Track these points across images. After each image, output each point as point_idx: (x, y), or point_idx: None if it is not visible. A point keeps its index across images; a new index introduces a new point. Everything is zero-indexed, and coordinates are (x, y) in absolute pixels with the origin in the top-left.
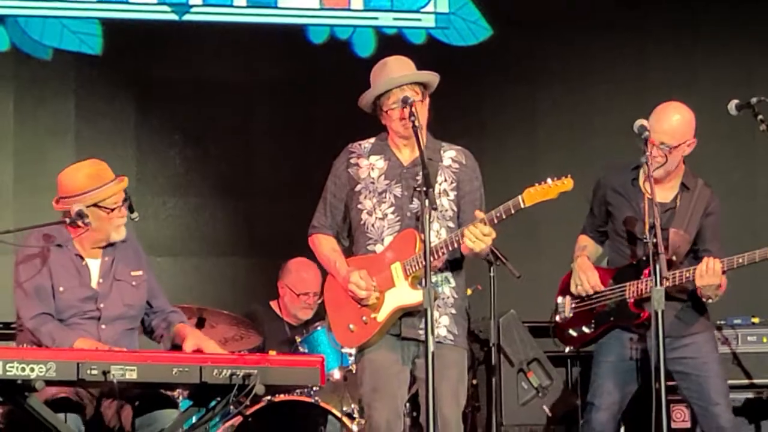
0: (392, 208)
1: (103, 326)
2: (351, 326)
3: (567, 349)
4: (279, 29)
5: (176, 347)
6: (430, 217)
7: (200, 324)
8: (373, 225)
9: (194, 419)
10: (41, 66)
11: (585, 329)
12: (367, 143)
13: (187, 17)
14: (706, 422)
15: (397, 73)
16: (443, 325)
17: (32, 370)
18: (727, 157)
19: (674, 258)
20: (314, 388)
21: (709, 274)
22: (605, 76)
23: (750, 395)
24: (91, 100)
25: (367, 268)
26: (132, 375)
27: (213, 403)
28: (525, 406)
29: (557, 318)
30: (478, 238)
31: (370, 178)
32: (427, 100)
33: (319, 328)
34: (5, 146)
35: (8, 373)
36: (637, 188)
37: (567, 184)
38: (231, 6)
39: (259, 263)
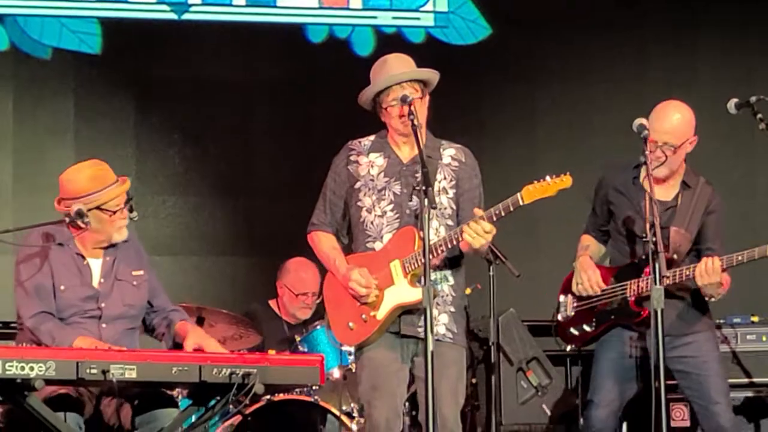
0: (391, 206)
1: (104, 325)
2: (350, 324)
3: (568, 348)
4: (278, 28)
5: (178, 346)
6: (429, 216)
7: (199, 323)
8: (372, 222)
9: (194, 418)
10: (40, 65)
11: (586, 328)
12: (367, 141)
13: (186, 16)
14: (707, 421)
15: (397, 70)
16: (442, 323)
17: (32, 369)
18: (726, 156)
19: (675, 257)
20: (314, 387)
21: (708, 272)
22: (604, 75)
23: (749, 394)
24: (90, 99)
25: (367, 265)
26: (131, 374)
27: (212, 402)
28: (524, 405)
29: (559, 317)
30: (479, 234)
31: (370, 175)
32: (427, 98)
33: (318, 327)
34: (4, 145)
35: (8, 373)
36: (638, 187)
37: (566, 181)
38: (230, 5)
39: (259, 262)
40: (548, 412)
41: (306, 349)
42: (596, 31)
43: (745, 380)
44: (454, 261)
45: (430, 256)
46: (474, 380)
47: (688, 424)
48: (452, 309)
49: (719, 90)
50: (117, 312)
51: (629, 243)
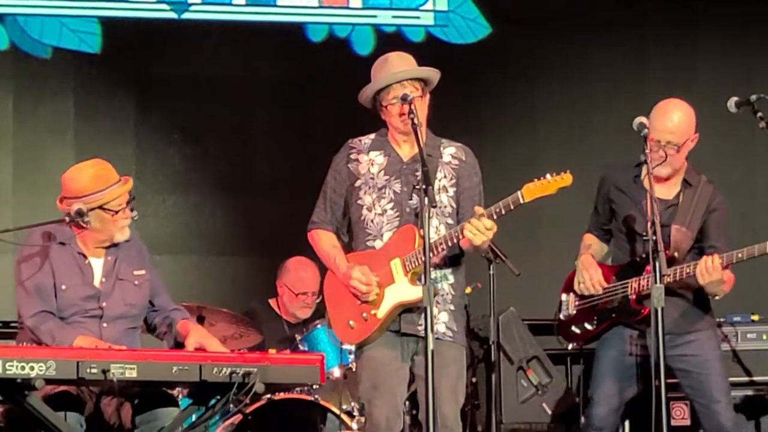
0: (391, 204)
1: (105, 325)
2: (351, 323)
3: (570, 347)
4: (278, 27)
5: (179, 345)
6: (429, 215)
7: (200, 322)
8: (372, 221)
9: (194, 417)
10: (40, 64)
11: (587, 326)
12: (367, 139)
13: (186, 15)
14: (707, 420)
15: (397, 68)
16: (442, 321)
17: (32, 368)
18: (726, 155)
19: (676, 255)
20: (314, 386)
21: (709, 271)
22: (604, 73)
23: (749, 392)
24: (90, 98)
25: (367, 263)
26: (132, 373)
27: (213, 402)
28: (524, 404)
29: (561, 315)
30: (480, 231)
31: (370, 173)
32: (428, 96)
33: (318, 326)
34: (5, 145)
35: (8, 372)
36: (640, 185)
37: (566, 179)
38: (230, 4)
39: (259, 261)
40: (549, 411)
41: (306, 348)
42: (596, 30)
43: (746, 379)
44: (454, 259)
45: (431, 255)
46: (474, 379)
47: (688, 422)
48: (452, 307)
49: (719, 89)
50: (118, 311)
51: (630, 241)
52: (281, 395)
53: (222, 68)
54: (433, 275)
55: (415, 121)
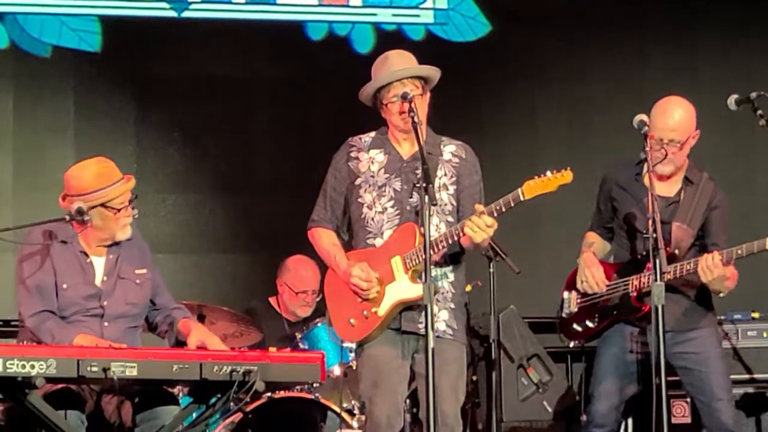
0: (392, 202)
1: (106, 324)
2: (352, 321)
3: (572, 344)
4: (278, 26)
5: (180, 344)
6: (429, 213)
7: (200, 321)
8: (372, 219)
9: (194, 416)
10: (40, 63)
11: (589, 323)
12: (367, 137)
13: (185, 14)
14: (708, 418)
15: (398, 66)
16: (442, 319)
17: (32, 367)
18: (726, 153)
19: (677, 252)
20: (314, 385)
21: (710, 268)
22: (605, 72)
23: (750, 390)
24: (90, 97)
25: (367, 261)
26: (132, 372)
27: (213, 400)
28: (525, 402)
29: (563, 313)
30: (481, 228)
31: (370, 171)
32: (428, 95)
33: (319, 324)
34: (4, 144)
35: (8, 371)
36: (641, 183)
37: (566, 176)
38: (229, 3)
39: (259, 260)
40: (549, 409)
41: (306, 347)
42: (596, 29)
43: (746, 376)
44: (454, 258)
45: (431, 252)
46: (474, 377)
47: (689, 420)
48: (452, 305)
49: (719, 88)
50: (119, 310)
51: (632, 239)
52: (282, 393)
53: (222, 66)
54: (433, 273)
55: (416, 119)
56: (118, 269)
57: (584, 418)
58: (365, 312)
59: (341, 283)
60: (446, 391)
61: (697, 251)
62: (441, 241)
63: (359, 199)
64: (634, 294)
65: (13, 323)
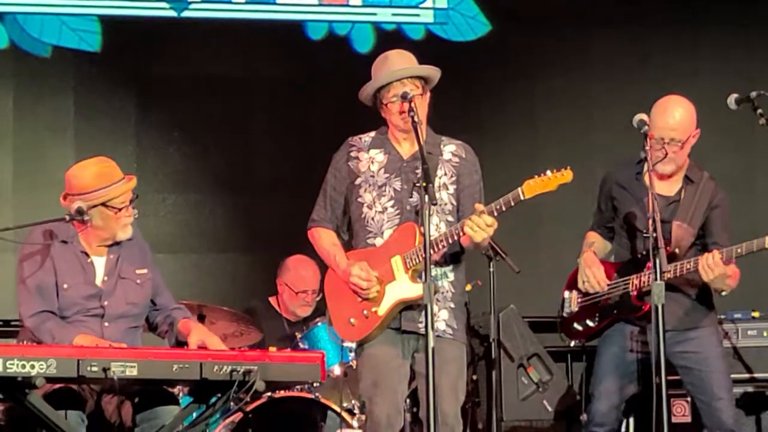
0: (392, 202)
1: (107, 324)
2: (352, 320)
3: (572, 344)
4: (278, 25)
5: (181, 344)
6: (429, 212)
7: (200, 320)
8: (372, 218)
9: (194, 415)
10: (40, 63)
11: (589, 323)
12: (367, 137)
13: (185, 14)
14: (709, 417)
15: (398, 66)
16: (442, 319)
17: (32, 367)
18: (726, 152)
19: (677, 251)
20: (314, 384)
21: (711, 267)
22: (604, 71)
23: (750, 389)
24: (90, 97)
25: (367, 261)
26: (132, 372)
27: (213, 400)
28: (525, 401)
29: (564, 313)
30: (481, 227)
31: (370, 171)
32: (428, 94)
33: (319, 324)
34: (5, 143)
35: (8, 370)
36: (641, 182)
37: (566, 175)
38: (229, 2)
39: (259, 259)
40: (549, 409)
41: (306, 346)
42: (596, 28)
43: (746, 375)
44: (454, 257)
45: (431, 252)
46: (474, 376)
47: (689, 419)
48: (452, 305)
49: (718, 87)
50: (120, 310)
51: (632, 238)
52: (282, 393)
53: (222, 66)
54: (433, 273)
55: (415, 118)
56: (119, 269)
57: (584, 417)
58: (365, 311)
59: (341, 282)
60: (446, 391)
61: (698, 250)
62: (441, 241)
63: (359, 199)
64: (635, 293)
65: (13, 323)
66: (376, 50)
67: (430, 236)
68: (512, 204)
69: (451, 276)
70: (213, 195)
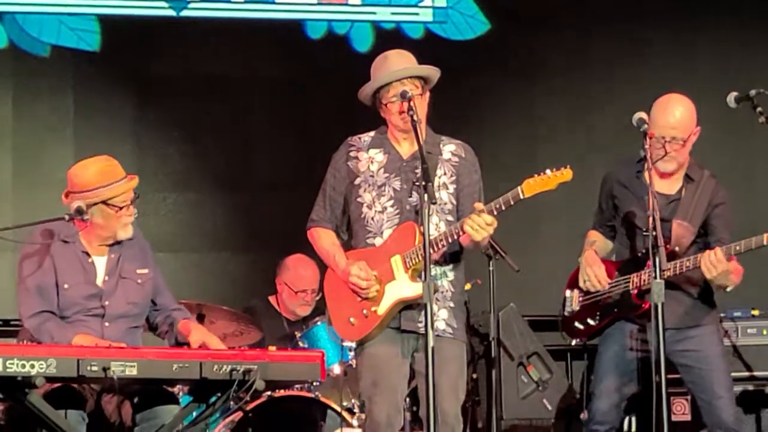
0: (391, 202)
1: (107, 324)
2: (351, 320)
3: (574, 342)
4: (277, 24)
5: (180, 344)
6: (429, 212)
7: (200, 320)
8: (372, 218)
9: (194, 415)
10: (39, 63)
11: (590, 321)
12: (367, 137)
13: (184, 13)
14: (709, 416)
15: (397, 66)
16: (442, 318)
17: (32, 366)
18: (725, 150)
19: (677, 249)
20: (314, 384)
21: (714, 264)
22: (604, 71)
23: (750, 387)
24: (89, 96)
25: (367, 260)
26: (132, 371)
27: (213, 399)
28: (525, 400)
29: (565, 312)
30: (481, 227)
31: (370, 171)
32: (427, 94)
33: (318, 323)
34: (4, 142)
35: (8, 370)
36: (642, 181)
37: (566, 174)
38: (228, 1)
39: (259, 259)
40: (549, 407)
41: (306, 346)
42: (596, 27)
43: (746, 374)
44: (453, 256)
45: (431, 251)
46: (474, 375)
47: (689, 418)
48: (452, 304)
49: (718, 86)
50: (120, 310)
51: (633, 237)
52: (281, 392)
53: (221, 65)
54: (433, 272)
55: (415, 118)
56: (120, 269)
57: (584, 415)
58: (365, 311)
59: (341, 282)
60: (446, 390)
61: (698, 249)
62: (441, 240)
63: (359, 199)
64: (635, 291)
65: (13, 323)
66: (376, 49)
67: (429, 236)
68: (512, 203)
69: (451, 275)
70: (213, 194)
